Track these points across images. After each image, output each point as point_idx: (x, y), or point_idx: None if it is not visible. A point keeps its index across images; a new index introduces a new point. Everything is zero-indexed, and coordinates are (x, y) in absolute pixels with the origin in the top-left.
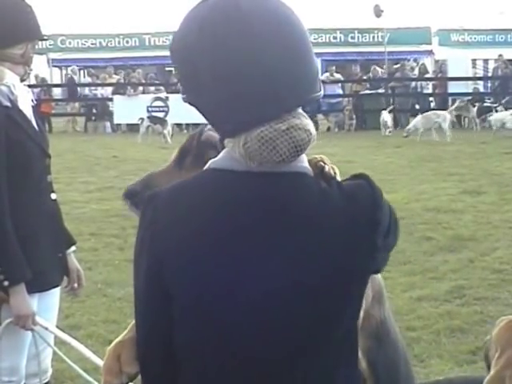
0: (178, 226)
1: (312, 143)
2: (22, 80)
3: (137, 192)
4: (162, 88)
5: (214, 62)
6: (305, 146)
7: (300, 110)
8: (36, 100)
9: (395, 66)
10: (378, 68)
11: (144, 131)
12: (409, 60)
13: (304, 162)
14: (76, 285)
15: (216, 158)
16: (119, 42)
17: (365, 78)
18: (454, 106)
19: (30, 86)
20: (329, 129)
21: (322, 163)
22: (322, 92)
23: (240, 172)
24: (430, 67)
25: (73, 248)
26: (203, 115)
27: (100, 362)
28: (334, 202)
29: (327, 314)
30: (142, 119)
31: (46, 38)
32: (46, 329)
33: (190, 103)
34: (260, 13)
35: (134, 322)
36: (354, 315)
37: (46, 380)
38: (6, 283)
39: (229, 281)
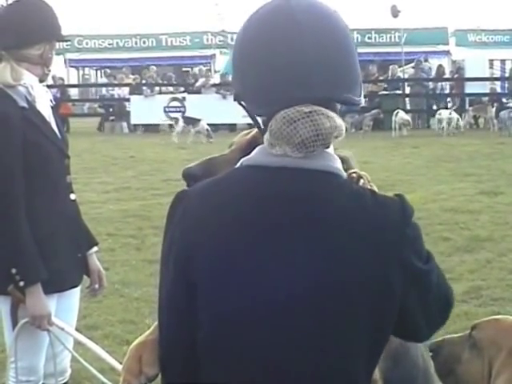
0: (206, 223)
1: (336, 135)
2: (41, 81)
3: (197, 176)
4: (179, 88)
5: (254, 48)
6: (326, 132)
7: (333, 108)
8: (54, 100)
9: (406, 67)
10: (397, 68)
11: (179, 131)
12: (421, 61)
13: (337, 163)
14: (97, 286)
15: (250, 155)
16: (136, 43)
17: (381, 78)
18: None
19: (47, 87)
20: (346, 129)
21: (357, 175)
22: (361, 99)
23: (273, 168)
24: (447, 68)
25: (95, 248)
26: (246, 105)
27: (115, 363)
28: (365, 206)
29: (349, 315)
30: (177, 119)
31: (65, 39)
32: (62, 329)
33: (236, 97)
34: (307, 9)
35: (156, 323)
36: (376, 322)
37: (65, 380)
38: (21, 283)
39: (253, 281)
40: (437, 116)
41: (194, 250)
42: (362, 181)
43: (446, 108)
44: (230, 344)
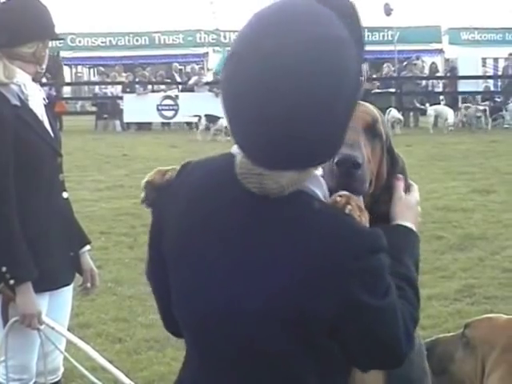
0: (183, 201)
1: (287, 189)
2: (35, 79)
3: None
4: (172, 86)
5: (224, 81)
6: (272, 192)
7: None
8: (48, 98)
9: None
10: (391, 66)
11: (202, 129)
12: (414, 59)
13: (317, 187)
14: (89, 284)
15: None
16: (129, 41)
17: (375, 76)
18: None
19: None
20: None
21: (344, 200)
22: (335, 153)
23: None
24: (441, 66)
25: (87, 247)
26: None
27: (106, 362)
28: (325, 233)
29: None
30: (200, 117)
31: (59, 37)
32: (53, 328)
33: None
34: (279, 62)
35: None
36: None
37: (58, 379)
38: (11, 282)
39: (204, 280)
40: (428, 112)
41: (166, 224)
42: (348, 207)
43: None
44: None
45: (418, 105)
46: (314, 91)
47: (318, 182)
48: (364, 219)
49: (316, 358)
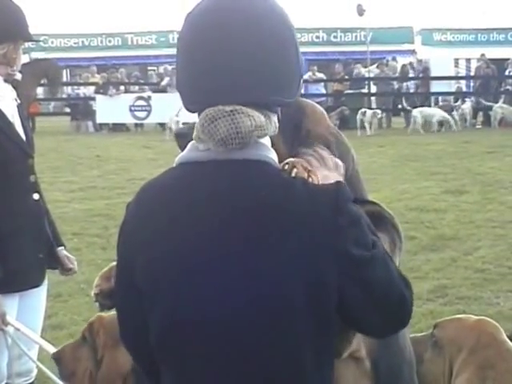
0: (144, 227)
1: (257, 134)
2: (7, 80)
3: (184, 134)
4: (144, 87)
5: (183, 48)
6: (246, 130)
7: (261, 107)
8: (27, 99)
9: (371, 67)
10: (361, 67)
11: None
12: (387, 60)
13: (268, 151)
14: (70, 265)
15: (182, 153)
16: (102, 42)
17: (347, 77)
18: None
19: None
20: None
21: (290, 166)
22: (291, 100)
23: (203, 162)
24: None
25: (61, 248)
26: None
27: None
28: (294, 197)
29: (287, 312)
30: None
31: (33, 39)
32: (18, 330)
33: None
34: (233, 12)
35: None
36: (318, 318)
37: (31, 380)
38: None
39: (190, 282)
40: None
41: (134, 255)
42: (295, 170)
43: (416, 107)
44: (178, 349)
45: (405, 105)
46: (267, 33)
47: (272, 152)
48: (315, 177)
49: (318, 348)
